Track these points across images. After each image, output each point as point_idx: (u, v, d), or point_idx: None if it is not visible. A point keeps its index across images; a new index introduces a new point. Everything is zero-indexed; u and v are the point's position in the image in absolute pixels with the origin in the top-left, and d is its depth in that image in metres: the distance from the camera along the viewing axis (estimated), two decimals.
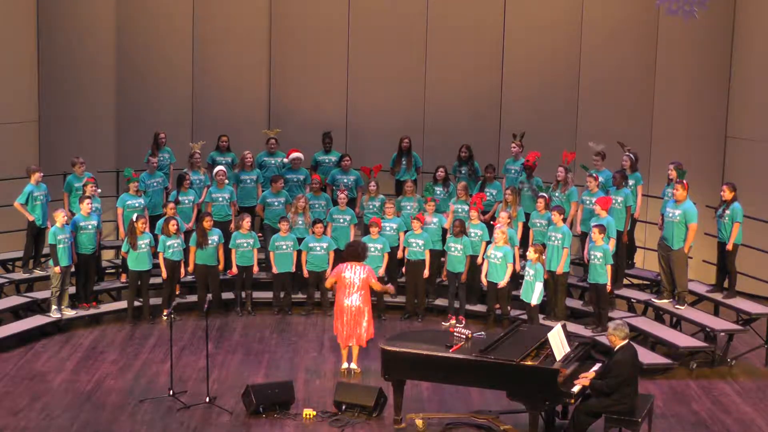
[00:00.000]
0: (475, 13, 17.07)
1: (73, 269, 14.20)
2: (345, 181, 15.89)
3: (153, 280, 14.58)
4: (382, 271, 14.68)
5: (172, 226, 14.28)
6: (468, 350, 10.63)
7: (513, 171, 15.65)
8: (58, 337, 13.73)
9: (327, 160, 16.30)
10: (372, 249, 14.62)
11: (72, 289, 14.29)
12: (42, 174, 14.72)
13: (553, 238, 13.78)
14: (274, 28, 17.42)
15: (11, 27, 16.32)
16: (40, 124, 16.88)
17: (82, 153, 15.36)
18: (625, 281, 14.79)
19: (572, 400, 10.23)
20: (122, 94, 17.11)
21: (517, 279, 14.25)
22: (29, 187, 14.56)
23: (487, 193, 15.35)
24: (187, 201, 15.22)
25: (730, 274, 13.74)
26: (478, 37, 17.10)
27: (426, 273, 14.59)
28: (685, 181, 13.64)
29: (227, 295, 15.01)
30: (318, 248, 14.57)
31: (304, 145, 16.35)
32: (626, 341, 10.20)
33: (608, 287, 13.36)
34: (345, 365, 12.47)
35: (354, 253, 12.44)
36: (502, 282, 13.91)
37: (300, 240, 14.82)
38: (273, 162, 16.11)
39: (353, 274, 12.25)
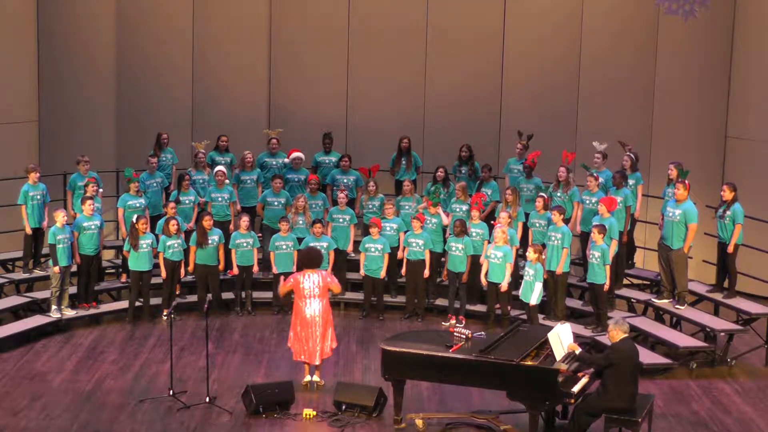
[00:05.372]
0: (476, 12, 17.06)
1: (74, 269, 14.21)
2: (345, 181, 15.89)
3: (153, 280, 14.58)
4: (383, 273, 14.71)
5: (173, 226, 14.28)
6: (468, 350, 10.63)
7: (516, 171, 15.61)
8: (58, 337, 13.73)
9: (327, 161, 16.30)
10: (372, 249, 14.66)
11: (72, 289, 14.29)
12: (39, 174, 14.72)
13: (553, 238, 13.78)
14: (274, 28, 17.41)
15: (11, 27, 16.32)
16: (40, 124, 16.89)
17: (81, 153, 15.35)
18: (625, 281, 14.79)
19: (572, 400, 10.24)
20: (122, 94, 17.12)
21: (517, 279, 14.24)
22: (25, 186, 14.56)
23: (483, 193, 15.35)
24: (187, 201, 15.21)
25: (730, 274, 13.74)
26: (479, 37, 17.09)
27: (426, 273, 14.59)
28: (686, 181, 13.64)
29: (227, 295, 15.01)
30: (318, 248, 14.55)
31: (305, 145, 16.35)
32: (626, 335, 10.21)
33: (606, 287, 13.36)
34: (308, 378, 12.13)
35: (309, 260, 12.06)
36: (505, 283, 13.90)
37: (300, 240, 14.82)
38: (274, 162, 16.11)
39: (311, 283, 11.90)
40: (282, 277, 13.65)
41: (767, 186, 15.59)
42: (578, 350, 10.41)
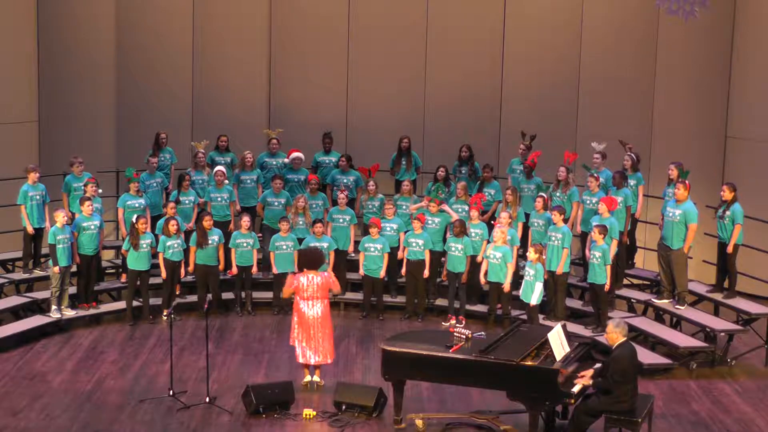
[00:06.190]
0: (476, 13, 17.06)
1: (74, 269, 14.21)
2: (345, 181, 15.88)
3: (153, 281, 14.58)
4: (382, 273, 14.71)
5: (173, 226, 14.28)
6: (468, 350, 10.63)
7: (518, 171, 15.60)
8: (58, 337, 13.73)
9: (327, 161, 16.30)
10: (371, 249, 14.66)
11: (72, 289, 14.29)
12: (39, 174, 14.72)
13: (553, 238, 13.78)
14: (274, 28, 17.42)
15: (11, 27, 16.32)
16: (40, 124, 16.87)
17: (82, 153, 15.35)
18: (625, 281, 14.79)
19: (572, 400, 10.24)
20: (122, 94, 17.11)
21: (517, 279, 14.24)
22: (25, 186, 14.56)
23: (486, 193, 15.35)
24: (187, 201, 15.21)
25: (730, 274, 13.74)
26: (479, 37, 17.10)
27: (426, 273, 14.59)
28: (687, 181, 13.64)
29: (227, 295, 15.00)
30: (319, 248, 14.54)
31: (305, 145, 16.35)
32: (625, 339, 10.21)
33: (606, 287, 13.36)
34: (308, 378, 12.10)
35: (312, 260, 12.00)
36: (506, 284, 13.90)
37: (300, 240, 14.81)
38: (274, 162, 16.10)
39: (314, 284, 11.83)
40: (289, 276, 13.54)
41: (767, 186, 15.59)
42: (591, 381, 10.36)
